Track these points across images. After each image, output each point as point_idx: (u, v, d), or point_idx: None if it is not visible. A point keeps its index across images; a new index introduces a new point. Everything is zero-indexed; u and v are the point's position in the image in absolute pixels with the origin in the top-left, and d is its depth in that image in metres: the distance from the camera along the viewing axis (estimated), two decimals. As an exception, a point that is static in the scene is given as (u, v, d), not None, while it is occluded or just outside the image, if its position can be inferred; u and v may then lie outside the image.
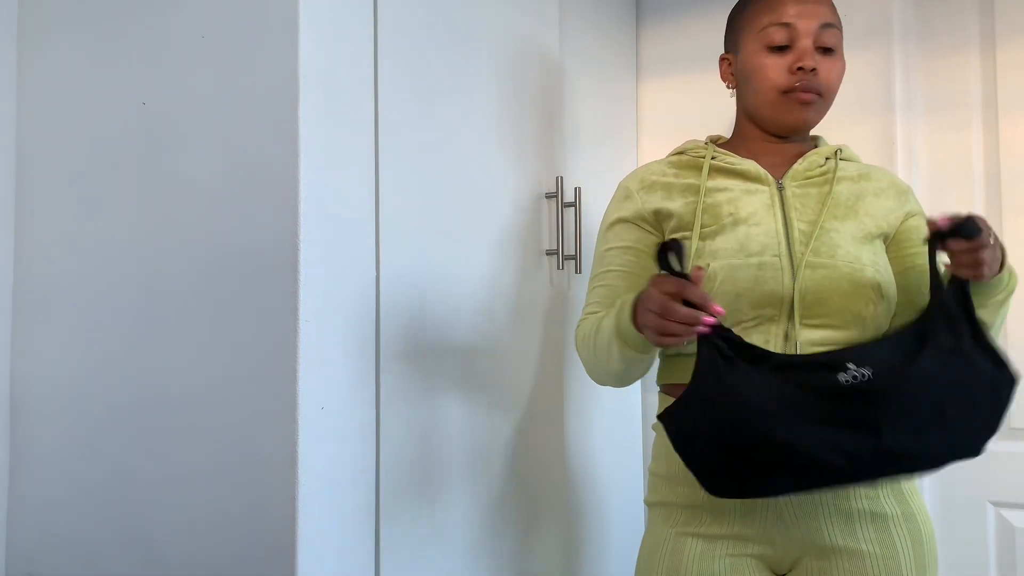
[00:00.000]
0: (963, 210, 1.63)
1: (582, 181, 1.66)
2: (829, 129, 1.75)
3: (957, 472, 1.67)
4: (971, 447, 1.01)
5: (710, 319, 0.93)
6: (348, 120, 1.12)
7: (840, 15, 1.88)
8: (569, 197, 1.57)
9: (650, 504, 1.21)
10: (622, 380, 1.19)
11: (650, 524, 1.19)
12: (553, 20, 1.58)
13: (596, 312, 1.19)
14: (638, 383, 1.85)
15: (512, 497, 1.42)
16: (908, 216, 1.20)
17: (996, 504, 1.64)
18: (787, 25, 1.15)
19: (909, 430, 0.96)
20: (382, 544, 1.14)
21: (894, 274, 1.17)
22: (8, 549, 1.30)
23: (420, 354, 1.23)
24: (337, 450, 1.08)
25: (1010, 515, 1.63)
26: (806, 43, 1.15)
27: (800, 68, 1.13)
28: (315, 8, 1.06)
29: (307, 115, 1.05)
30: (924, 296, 1.06)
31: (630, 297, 1.05)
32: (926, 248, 1.04)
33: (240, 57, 1.09)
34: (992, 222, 1.66)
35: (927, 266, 1.05)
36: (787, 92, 1.15)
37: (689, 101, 1.88)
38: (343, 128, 1.11)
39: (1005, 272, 1.06)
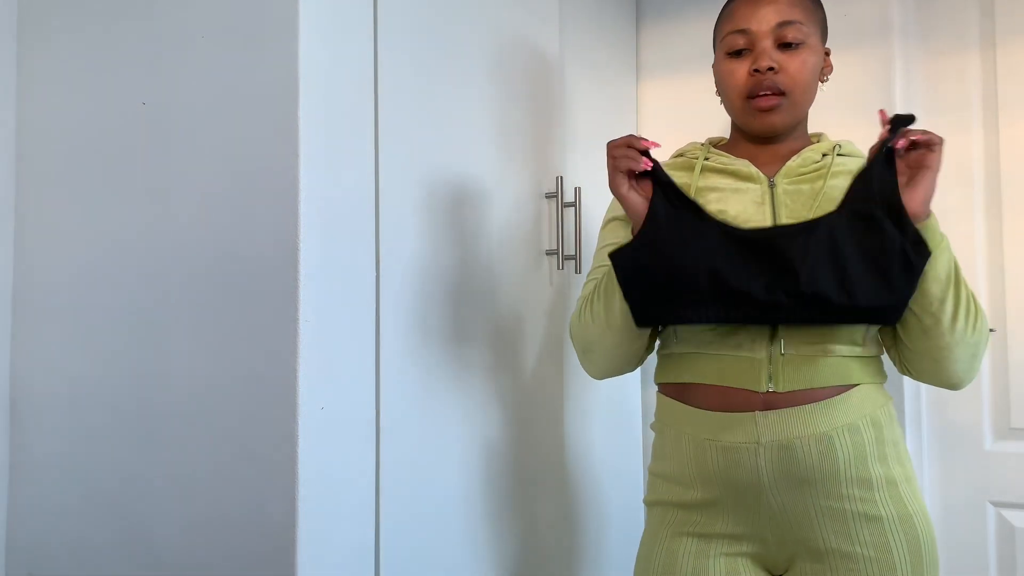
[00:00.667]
0: (963, 210, 1.65)
1: (582, 181, 1.66)
2: (829, 129, 1.76)
3: (957, 472, 1.67)
4: (880, 309, 1.06)
5: (647, 155, 1.10)
6: (348, 120, 1.12)
7: (840, 15, 1.87)
8: (569, 197, 1.57)
9: (648, 504, 1.22)
10: (617, 348, 1.19)
11: (648, 524, 1.21)
12: (553, 20, 1.58)
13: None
14: (638, 382, 1.86)
15: (512, 497, 1.42)
16: None
17: (996, 504, 1.64)
18: (744, 31, 1.16)
19: (820, 277, 1.04)
20: (382, 544, 1.14)
21: None
22: (8, 549, 1.30)
23: (420, 354, 1.23)
24: (337, 450, 1.08)
25: (1010, 515, 1.63)
26: (764, 44, 1.15)
27: (756, 70, 1.15)
28: (315, 8, 1.06)
29: (307, 115, 1.05)
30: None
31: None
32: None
33: (240, 57, 1.09)
34: (992, 222, 1.67)
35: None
36: (750, 97, 1.17)
37: (689, 101, 1.88)
38: (343, 128, 1.11)
39: (932, 220, 1.11)
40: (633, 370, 1.26)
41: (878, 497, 1.10)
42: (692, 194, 1.17)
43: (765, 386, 1.11)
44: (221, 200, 1.10)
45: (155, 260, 1.17)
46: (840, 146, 1.21)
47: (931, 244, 1.07)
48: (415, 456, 1.21)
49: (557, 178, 1.51)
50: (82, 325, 1.24)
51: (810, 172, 1.17)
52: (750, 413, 1.11)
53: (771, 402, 1.11)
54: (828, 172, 1.16)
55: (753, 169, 1.18)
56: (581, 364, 1.26)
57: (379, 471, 1.14)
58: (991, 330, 1.67)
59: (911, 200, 1.07)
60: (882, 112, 1.12)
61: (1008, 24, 1.66)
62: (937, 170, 1.09)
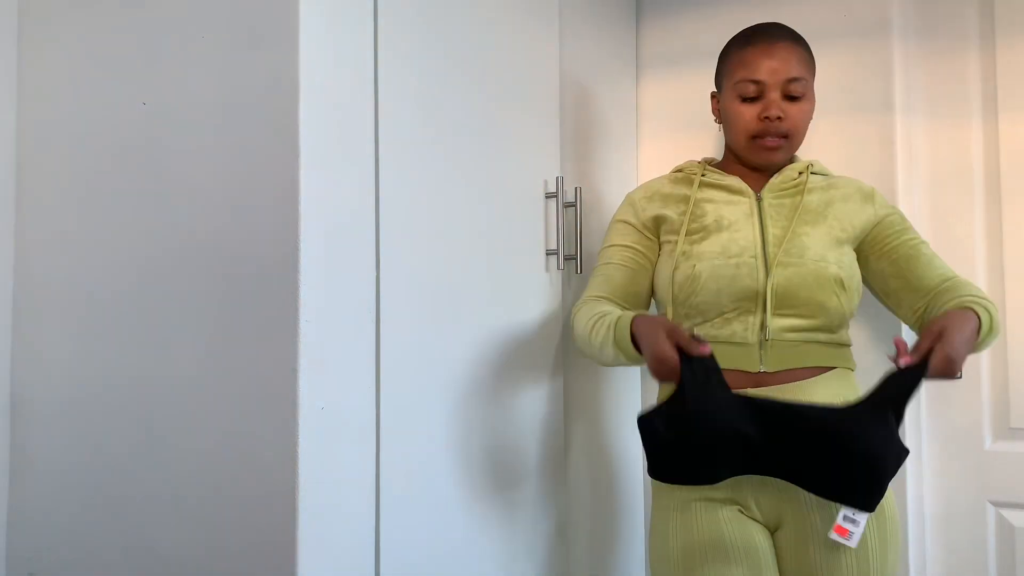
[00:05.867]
0: (963, 210, 1.66)
1: (582, 181, 1.66)
2: (830, 129, 1.76)
3: (957, 472, 1.67)
4: (868, 500, 1.20)
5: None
6: (348, 120, 1.12)
7: (840, 14, 1.88)
8: (570, 197, 1.57)
9: (655, 483, 1.37)
10: (605, 365, 1.39)
11: (655, 500, 1.38)
12: (553, 19, 1.58)
13: (594, 296, 1.41)
14: (638, 380, 1.86)
15: (512, 495, 1.42)
16: (881, 217, 1.40)
17: (996, 504, 1.64)
18: (757, 81, 1.34)
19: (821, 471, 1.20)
20: (382, 544, 1.14)
21: (885, 264, 1.38)
22: (8, 549, 1.30)
23: (420, 354, 1.23)
24: (337, 450, 1.08)
25: (1010, 515, 1.63)
26: (773, 96, 1.34)
27: (767, 117, 1.34)
28: (315, 8, 1.06)
29: (307, 115, 1.05)
30: (914, 275, 1.36)
31: (628, 317, 1.26)
32: (905, 234, 1.38)
33: (240, 57, 1.09)
34: (992, 222, 1.66)
35: (909, 245, 1.37)
36: (756, 137, 1.36)
37: (689, 99, 1.87)
38: (343, 128, 1.11)
39: (983, 333, 1.25)
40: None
41: None
42: (691, 206, 1.38)
43: (758, 367, 1.30)
44: (221, 200, 1.10)
45: (155, 260, 1.17)
46: (812, 165, 1.42)
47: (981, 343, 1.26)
48: (415, 456, 1.21)
49: (557, 178, 1.51)
50: (82, 325, 1.24)
51: (790, 188, 1.39)
52: (742, 390, 1.25)
53: (760, 381, 1.30)
54: (804, 188, 1.38)
55: (744, 185, 1.39)
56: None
57: (379, 471, 1.14)
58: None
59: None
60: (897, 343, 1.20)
61: (1008, 23, 1.66)
62: (960, 349, 1.18)
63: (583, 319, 1.36)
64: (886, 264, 1.38)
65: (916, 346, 1.18)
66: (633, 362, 1.28)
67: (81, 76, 1.27)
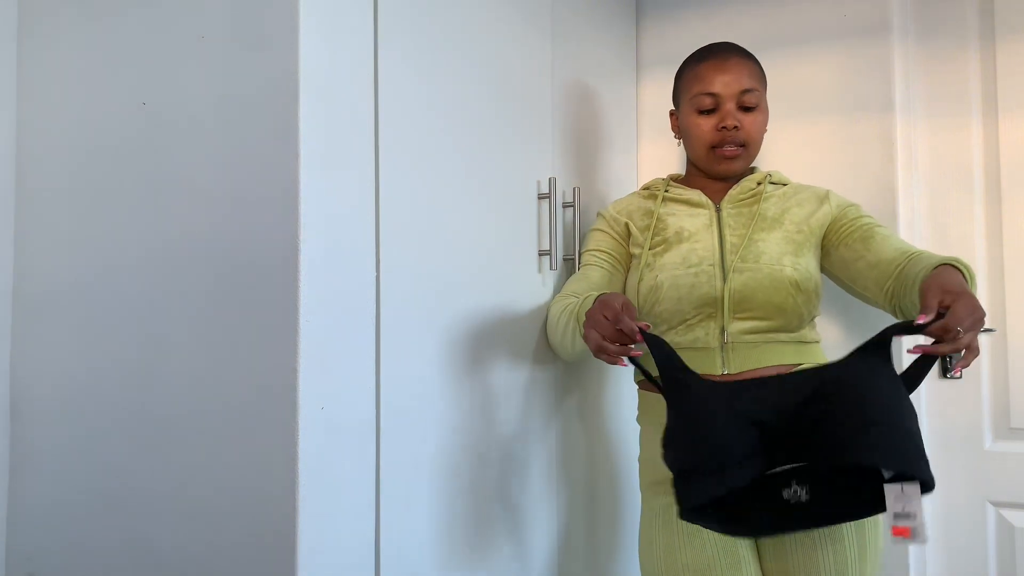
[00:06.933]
0: (963, 209, 1.67)
1: (582, 181, 1.66)
2: (830, 129, 1.76)
3: (957, 472, 1.67)
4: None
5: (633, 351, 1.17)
6: (348, 120, 1.12)
7: (840, 15, 1.88)
8: (568, 197, 1.58)
9: (642, 489, 1.45)
10: (572, 356, 1.48)
11: (643, 507, 1.43)
12: (545, 21, 1.58)
13: (571, 291, 1.45)
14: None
15: (510, 495, 1.42)
16: (837, 212, 1.44)
17: (996, 504, 1.64)
18: (712, 94, 1.41)
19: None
20: (382, 544, 1.14)
21: (843, 250, 1.41)
22: (8, 549, 1.30)
23: (420, 354, 1.23)
24: (337, 450, 1.08)
25: (1010, 515, 1.63)
26: (729, 106, 1.41)
27: (724, 127, 1.40)
28: (315, 8, 1.06)
29: (307, 115, 1.05)
30: (873, 253, 1.36)
31: (595, 295, 1.27)
32: (860, 220, 1.41)
33: (240, 57, 1.09)
34: (992, 222, 1.67)
35: (864, 227, 1.40)
36: (715, 147, 1.43)
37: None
38: (343, 128, 1.11)
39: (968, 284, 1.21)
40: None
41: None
42: (654, 220, 1.45)
43: (720, 369, 1.36)
44: (221, 200, 1.10)
45: (155, 260, 1.17)
46: (771, 175, 1.48)
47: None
48: (415, 456, 1.21)
49: (550, 179, 1.51)
50: (82, 325, 1.24)
51: (747, 198, 1.45)
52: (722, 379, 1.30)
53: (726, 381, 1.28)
54: (761, 197, 1.44)
55: (704, 198, 1.46)
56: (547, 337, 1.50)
57: (379, 471, 1.14)
58: (991, 330, 1.67)
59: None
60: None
61: (1008, 23, 1.66)
62: (975, 348, 1.12)
63: (556, 308, 1.44)
64: (844, 250, 1.41)
65: (924, 304, 1.11)
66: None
67: (81, 76, 1.27)
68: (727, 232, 1.41)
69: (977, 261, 1.67)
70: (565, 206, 1.55)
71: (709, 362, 1.36)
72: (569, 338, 1.37)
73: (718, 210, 1.44)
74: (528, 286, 1.49)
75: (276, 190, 1.05)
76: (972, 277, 1.23)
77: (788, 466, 1.13)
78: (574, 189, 1.57)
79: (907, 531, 1.03)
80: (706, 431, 1.12)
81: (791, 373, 1.21)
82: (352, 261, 1.12)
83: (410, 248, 1.22)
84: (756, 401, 1.15)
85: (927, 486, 1.06)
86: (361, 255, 1.13)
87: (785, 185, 1.49)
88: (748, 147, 1.43)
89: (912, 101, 1.72)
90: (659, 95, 1.93)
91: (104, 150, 1.23)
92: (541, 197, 1.53)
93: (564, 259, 1.55)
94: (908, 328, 1.11)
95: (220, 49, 1.11)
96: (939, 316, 1.08)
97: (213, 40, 1.12)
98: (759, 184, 1.46)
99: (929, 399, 1.70)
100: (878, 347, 1.13)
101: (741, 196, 1.45)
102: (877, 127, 1.70)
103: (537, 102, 1.54)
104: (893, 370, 1.12)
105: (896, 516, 1.05)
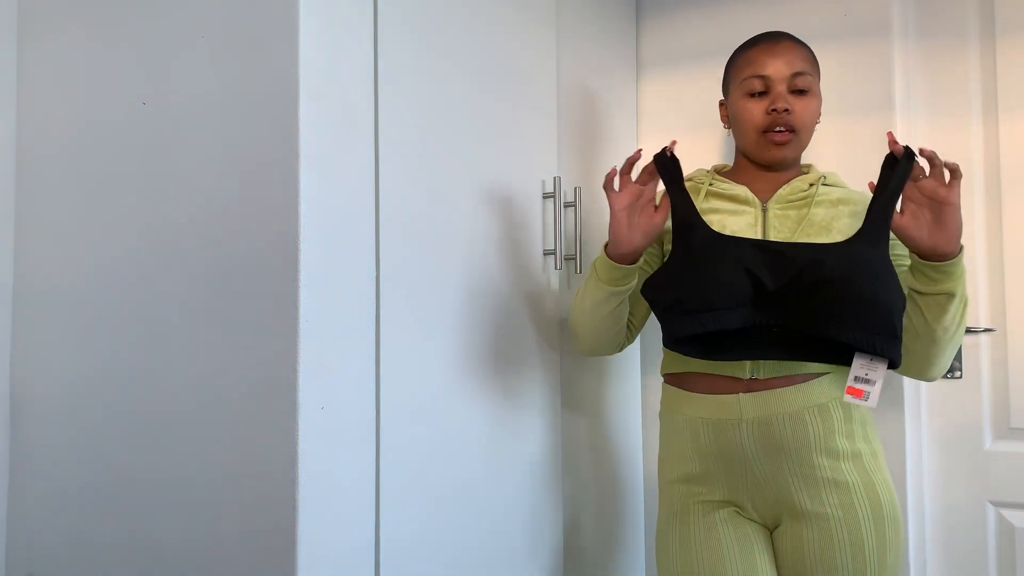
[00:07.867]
0: (963, 209, 1.65)
1: (582, 181, 1.66)
2: (830, 129, 1.75)
3: (957, 472, 1.67)
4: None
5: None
6: (348, 120, 1.12)
7: (840, 14, 1.88)
8: (569, 197, 1.57)
9: (661, 485, 1.43)
10: (602, 328, 1.40)
11: (661, 502, 1.42)
12: (551, 19, 1.58)
13: None
14: (637, 381, 1.86)
15: (512, 495, 1.42)
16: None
17: (996, 504, 1.64)
18: (763, 77, 1.37)
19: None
20: (382, 544, 1.14)
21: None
22: (8, 548, 1.31)
23: (420, 354, 1.23)
24: (337, 450, 1.08)
25: (1010, 515, 1.63)
26: (780, 89, 1.36)
27: (774, 110, 1.35)
28: (315, 8, 1.06)
29: (307, 115, 1.05)
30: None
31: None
32: (900, 259, 1.32)
33: (240, 57, 1.09)
34: (992, 222, 1.67)
35: (897, 263, 1.29)
36: (765, 131, 1.37)
37: (689, 100, 1.88)
38: (343, 128, 1.11)
39: (959, 264, 1.21)
40: (613, 354, 1.51)
41: (844, 467, 1.29)
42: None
43: (748, 374, 1.33)
44: (221, 200, 1.10)
45: (155, 260, 1.17)
46: (825, 177, 1.41)
47: (956, 275, 1.21)
48: (415, 456, 1.21)
49: (555, 178, 1.51)
50: (82, 325, 1.24)
51: (797, 200, 1.38)
52: (734, 395, 1.32)
53: (752, 386, 1.32)
54: (812, 200, 1.36)
55: (750, 195, 1.39)
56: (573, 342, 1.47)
57: (379, 471, 1.14)
58: (991, 330, 1.67)
59: (945, 242, 1.19)
60: (890, 134, 1.24)
61: (1008, 23, 1.66)
62: (959, 205, 1.19)
63: (575, 299, 1.43)
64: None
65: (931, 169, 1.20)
66: (615, 279, 1.32)
67: (81, 76, 1.27)
68: (771, 235, 1.35)
69: (977, 261, 1.67)
70: (567, 206, 1.55)
71: (736, 366, 1.33)
72: (598, 295, 1.35)
73: (764, 209, 1.38)
74: (532, 285, 1.49)
75: (276, 190, 1.05)
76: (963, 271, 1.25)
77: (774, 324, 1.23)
78: (576, 189, 1.57)
79: (861, 393, 1.16)
80: (714, 270, 1.21)
81: (791, 244, 1.25)
82: (352, 261, 1.12)
83: (410, 248, 1.22)
84: (757, 258, 1.22)
85: (893, 364, 1.18)
86: (361, 255, 1.13)
87: (839, 188, 1.41)
88: (799, 133, 1.37)
89: (912, 100, 1.72)
90: (659, 95, 1.93)
91: (104, 150, 1.23)
92: (546, 196, 1.53)
93: (566, 259, 1.55)
94: (902, 161, 1.21)
95: (220, 49, 1.11)
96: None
97: (213, 40, 1.12)
98: (811, 186, 1.39)
99: (929, 399, 1.70)
100: (878, 231, 1.20)
101: (791, 197, 1.38)
102: (877, 127, 1.70)
103: (542, 101, 1.53)
104: (887, 255, 1.20)
105: (856, 379, 1.17)
